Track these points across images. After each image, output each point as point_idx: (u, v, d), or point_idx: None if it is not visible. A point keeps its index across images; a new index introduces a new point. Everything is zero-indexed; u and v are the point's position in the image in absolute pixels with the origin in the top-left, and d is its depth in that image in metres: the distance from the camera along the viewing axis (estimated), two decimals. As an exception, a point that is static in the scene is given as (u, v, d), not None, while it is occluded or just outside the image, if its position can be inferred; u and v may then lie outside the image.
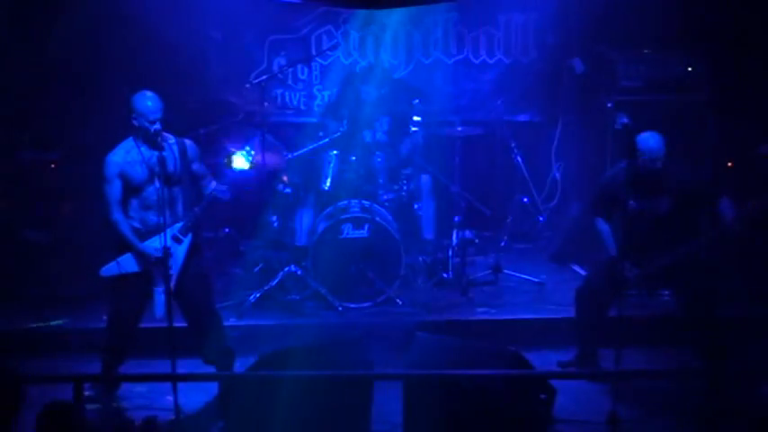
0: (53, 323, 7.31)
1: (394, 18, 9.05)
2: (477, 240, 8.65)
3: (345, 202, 7.90)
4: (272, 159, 8.02)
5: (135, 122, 6.20)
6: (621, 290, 6.26)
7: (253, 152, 7.14)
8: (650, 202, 6.49)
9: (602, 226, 6.71)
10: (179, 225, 6.33)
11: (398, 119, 8.48)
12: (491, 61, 9.31)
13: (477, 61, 9.31)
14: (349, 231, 7.71)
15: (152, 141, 6.20)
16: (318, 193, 8.20)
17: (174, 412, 5.90)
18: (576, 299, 6.81)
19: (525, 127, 9.27)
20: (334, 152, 8.10)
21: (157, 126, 6.17)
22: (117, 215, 6.22)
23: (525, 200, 9.25)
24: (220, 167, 7.05)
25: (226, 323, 6.80)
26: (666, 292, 7.05)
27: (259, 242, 8.43)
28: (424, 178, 8.47)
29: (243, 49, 9.04)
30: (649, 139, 6.42)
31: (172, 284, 6.21)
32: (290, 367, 5.57)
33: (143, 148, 6.23)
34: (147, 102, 6.18)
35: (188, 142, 6.44)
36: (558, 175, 9.35)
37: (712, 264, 6.73)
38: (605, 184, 6.72)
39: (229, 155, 7.15)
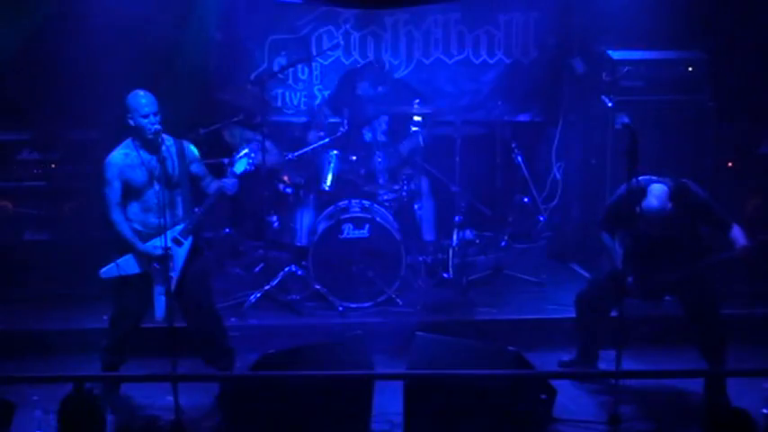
0: None
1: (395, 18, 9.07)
2: (477, 240, 8.65)
3: (346, 202, 7.90)
4: (272, 159, 8.01)
5: (131, 122, 6.19)
6: (623, 301, 6.23)
7: (252, 153, 7.12)
8: (658, 226, 6.41)
9: (608, 240, 6.66)
10: (180, 227, 6.31)
11: (399, 119, 8.48)
12: (492, 61, 9.27)
13: (477, 61, 9.28)
14: (349, 231, 7.72)
15: (150, 143, 6.18)
16: (318, 193, 8.18)
17: (174, 412, 5.90)
18: (577, 304, 6.79)
19: (526, 127, 9.26)
20: (334, 152, 8.09)
21: (157, 126, 6.15)
22: (116, 216, 6.21)
23: (526, 200, 9.23)
24: (221, 168, 7.05)
25: (226, 323, 6.79)
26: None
27: (259, 242, 8.43)
28: (425, 178, 8.46)
29: (243, 49, 9.03)
30: (651, 201, 6.29)
31: (172, 286, 6.21)
32: (290, 367, 5.58)
33: (142, 151, 6.22)
34: (141, 99, 6.17)
35: (186, 143, 6.42)
36: (558, 175, 9.33)
37: (715, 270, 6.70)
38: (611, 208, 6.62)
39: (230, 155, 7.13)
